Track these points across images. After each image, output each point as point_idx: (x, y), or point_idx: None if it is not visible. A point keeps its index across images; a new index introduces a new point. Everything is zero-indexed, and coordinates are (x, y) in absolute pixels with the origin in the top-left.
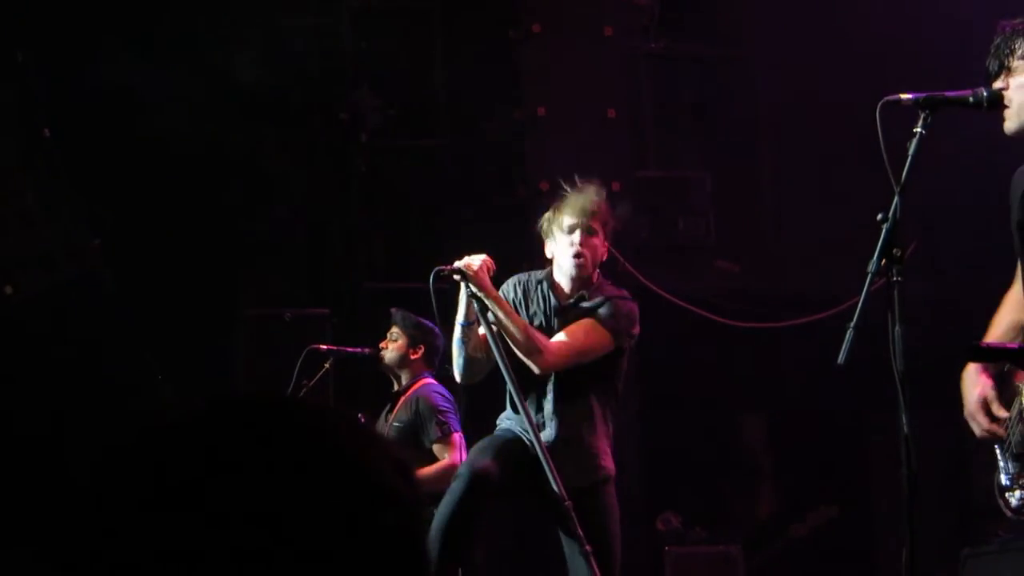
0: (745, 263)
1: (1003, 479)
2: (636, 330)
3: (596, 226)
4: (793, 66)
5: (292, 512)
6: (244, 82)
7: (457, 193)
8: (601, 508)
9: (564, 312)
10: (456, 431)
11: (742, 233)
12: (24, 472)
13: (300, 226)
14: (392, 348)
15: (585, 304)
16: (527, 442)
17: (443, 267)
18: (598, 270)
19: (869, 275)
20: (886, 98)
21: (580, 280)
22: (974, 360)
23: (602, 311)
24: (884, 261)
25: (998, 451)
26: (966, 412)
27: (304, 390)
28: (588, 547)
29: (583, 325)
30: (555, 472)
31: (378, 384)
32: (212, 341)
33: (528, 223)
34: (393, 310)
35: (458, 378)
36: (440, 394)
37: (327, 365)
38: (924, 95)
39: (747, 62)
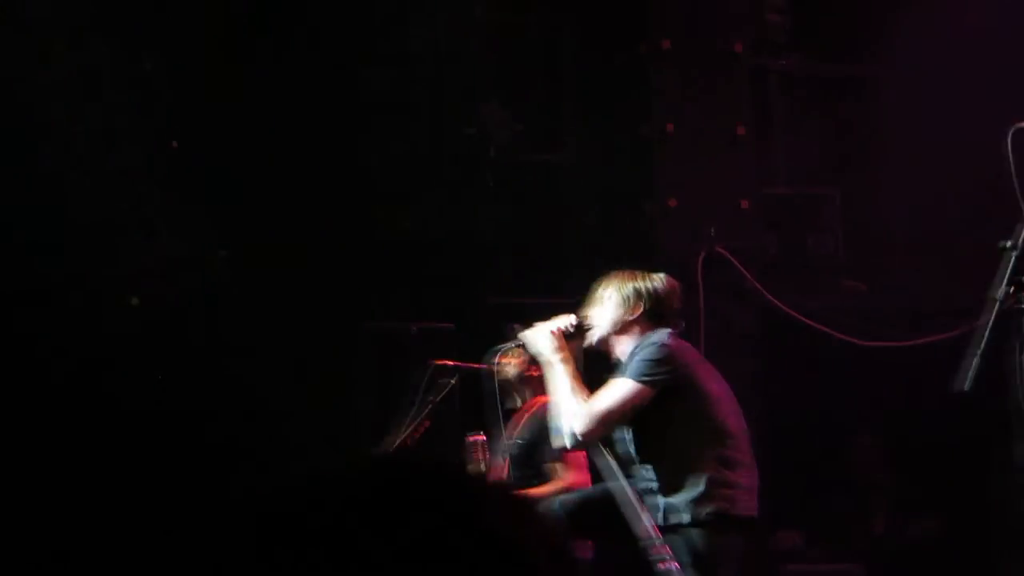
0: (872, 282)
1: None
2: (667, 367)
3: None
4: (925, 85)
5: None
6: (374, 96)
7: (584, 209)
8: (688, 552)
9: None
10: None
11: (870, 252)
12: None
13: (427, 240)
14: (512, 365)
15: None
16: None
17: (503, 344)
18: (637, 333)
19: (996, 302)
20: (1018, 124)
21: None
22: None
23: (629, 366)
24: (1011, 288)
25: None
26: None
27: (429, 406)
28: None
29: (611, 387)
30: (642, 513)
31: (502, 401)
32: (337, 355)
33: (656, 241)
34: (515, 326)
35: (568, 444)
36: None
37: (453, 381)
38: None
39: (879, 80)
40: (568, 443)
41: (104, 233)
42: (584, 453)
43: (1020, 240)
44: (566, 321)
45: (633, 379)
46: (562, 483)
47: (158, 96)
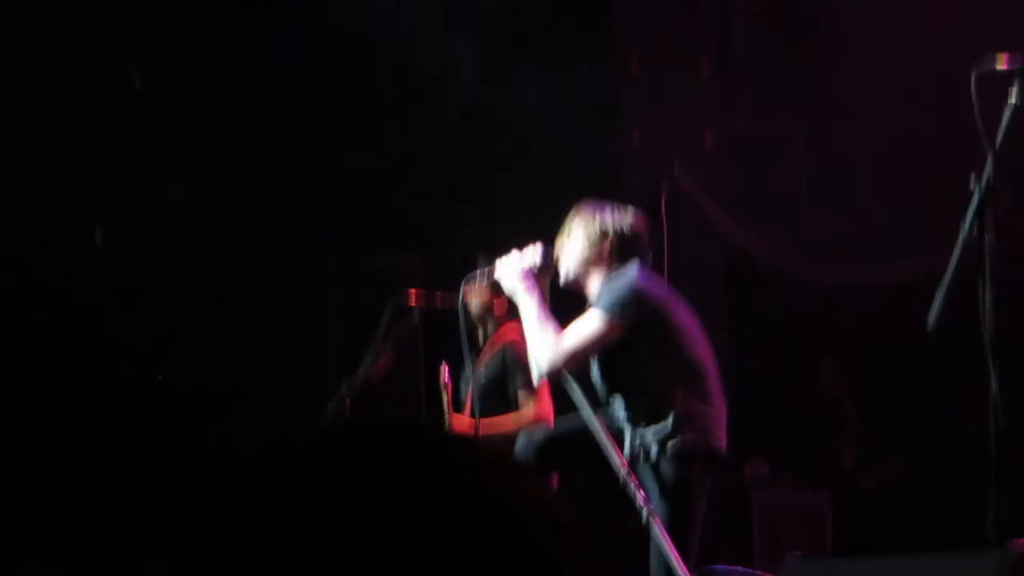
0: (837, 216)
1: None
2: (637, 303)
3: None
4: (891, 19)
5: (425, 555)
6: (336, 32)
7: (548, 145)
8: (658, 483)
9: None
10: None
11: (835, 186)
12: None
13: (392, 174)
14: (476, 299)
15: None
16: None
17: (475, 272)
18: (605, 268)
19: (961, 239)
20: (983, 62)
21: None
22: None
23: (598, 299)
24: (976, 225)
25: None
26: None
27: (392, 339)
28: (647, 508)
29: (580, 322)
30: (613, 445)
31: (469, 334)
32: (302, 286)
33: (619, 178)
34: (480, 258)
35: (535, 378)
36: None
37: (416, 315)
38: (1020, 65)
39: (845, 15)
40: (535, 376)
41: (68, 169)
42: (548, 384)
43: (986, 177)
44: (533, 253)
45: (603, 314)
46: (529, 414)
47: (121, 31)
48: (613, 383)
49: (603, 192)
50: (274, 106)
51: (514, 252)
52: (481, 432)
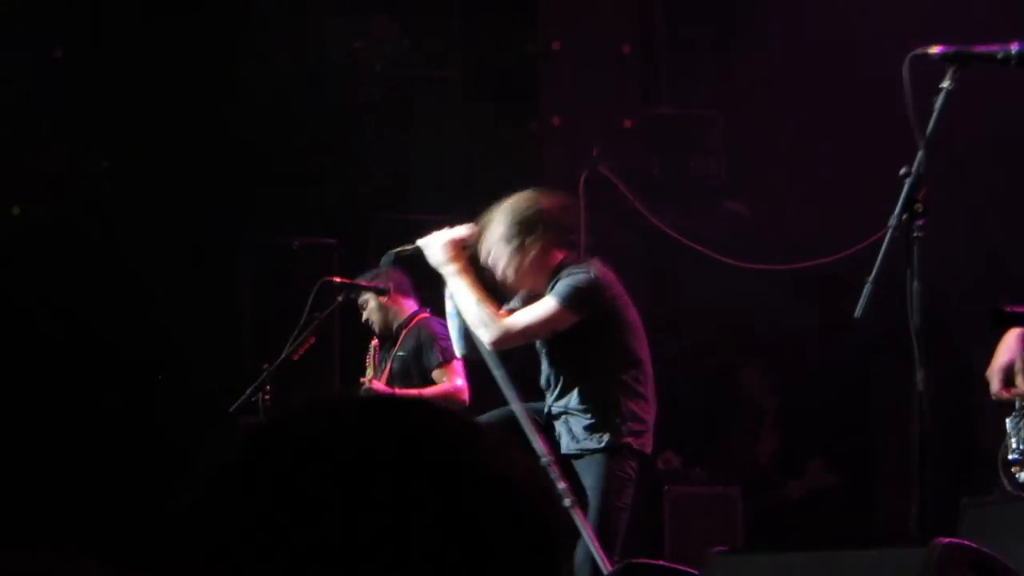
0: (755, 204)
1: (1011, 455)
2: (602, 296)
3: (481, 248)
4: (814, 6)
5: (426, 525)
6: (260, 7)
7: (469, 125)
8: (594, 475)
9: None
10: (455, 358)
11: (753, 174)
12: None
13: (310, 154)
14: (371, 312)
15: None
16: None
17: (399, 248)
18: (545, 258)
19: (890, 229)
20: (914, 51)
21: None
22: (994, 326)
23: (555, 287)
24: (905, 216)
25: (1009, 425)
26: (988, 371)
27: (316, 322)
28: (570, 499)
29: (535, 304)
30: (536, 433)
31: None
32: (219, 269)
33: (540, 157)
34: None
35: (458, 352)
36: (440, 323)
37: (340, 298)
38: (953, 49)
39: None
40: (479, 351)
41: None
42: (462, 361)
43: (915, 167)
44: (463, 231)
45: (559, 301)
46: (445, 387)
47: (42, 7)
48: (561, 373)
49: (524, 173)
50: (195, 84)
51: (444, 229)
52: None
